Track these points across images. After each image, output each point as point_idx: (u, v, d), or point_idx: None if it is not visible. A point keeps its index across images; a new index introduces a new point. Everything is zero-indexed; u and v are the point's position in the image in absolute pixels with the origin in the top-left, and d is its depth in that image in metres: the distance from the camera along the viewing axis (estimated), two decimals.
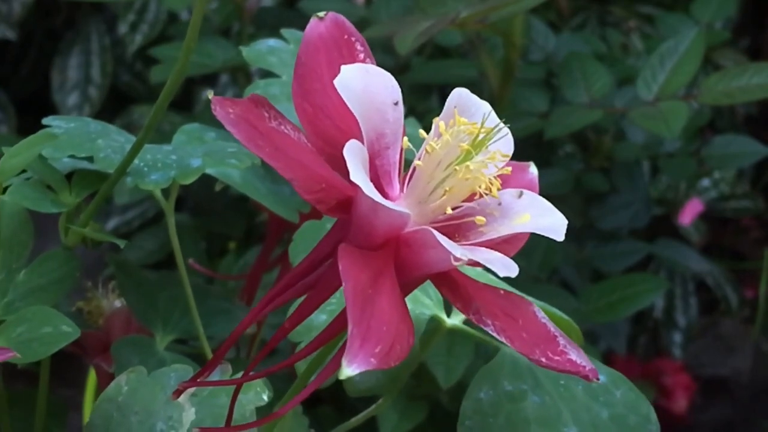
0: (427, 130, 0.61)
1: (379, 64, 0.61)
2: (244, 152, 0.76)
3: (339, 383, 0.59)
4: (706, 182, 1.70)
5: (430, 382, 1.16)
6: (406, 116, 0.66)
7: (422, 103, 1.57)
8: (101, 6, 1.73)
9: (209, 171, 0.75)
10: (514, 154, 0.62)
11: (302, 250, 0.77)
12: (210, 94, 0.55)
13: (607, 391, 0.71)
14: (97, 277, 0.99)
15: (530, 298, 0.62)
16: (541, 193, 0.62)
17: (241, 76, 1.60)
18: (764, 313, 1.63)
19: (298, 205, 0.84)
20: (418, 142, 0.60)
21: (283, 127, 0.57)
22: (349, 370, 0.50)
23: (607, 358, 1.59)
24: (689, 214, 1.65)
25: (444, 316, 0.76)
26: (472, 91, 1.66)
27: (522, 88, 1.48)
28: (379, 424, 1.21)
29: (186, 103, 1.68)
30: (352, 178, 0.53)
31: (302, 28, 0.95)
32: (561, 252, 1.48)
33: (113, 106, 1.65)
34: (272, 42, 0.87)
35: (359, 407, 1.23)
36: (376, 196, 0.54)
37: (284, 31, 0.88)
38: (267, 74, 1.50)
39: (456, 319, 0.76)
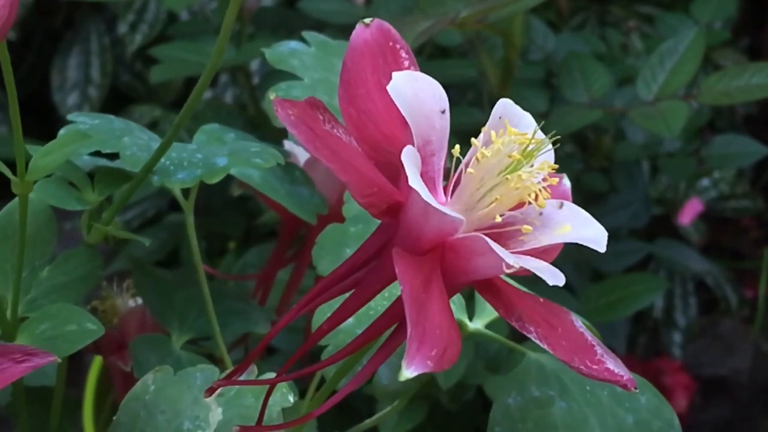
0: None
1: None
2: (269, 152, 0.75)
3: None
4: (705, 182, 1.70)
5: (430, 382, 1.16)
6: None
7: None
8: (101, 6, 1.73)
9: (231, 171, 0.75)
10: None
11: (326, 254, 0.77)
12: (271, 95, 0.55)
13: (632, 397, 0.71)
14: (102, 274, 0.99)
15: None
16: None
17: (241, 75, 1.60)
18: (764, 312, 1.63)
19: (316, 208, 0.84)
20: None
21: (335, 130, 0.58)
22: (408, 372, 0.51)
23: None
24: (689, 213, 1.65)
25: (467, 320, 0.76)
26: (472, 91, 1.65)
27: (521, 87, 1.48)
28: (379, 424, 1.21)
29: None
30: (410, 183, 0.53)
31: (302, 28, 0.95)
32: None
33: (113, 106, 1.65)
34: (293, 44, 0.86)
35: (361, 407, 1.23)
36: (433, 202, 0.54)
37: (305, 34, 0.88)
38: (268, 75, 1.50)
39: (478, 323, 0.76)
